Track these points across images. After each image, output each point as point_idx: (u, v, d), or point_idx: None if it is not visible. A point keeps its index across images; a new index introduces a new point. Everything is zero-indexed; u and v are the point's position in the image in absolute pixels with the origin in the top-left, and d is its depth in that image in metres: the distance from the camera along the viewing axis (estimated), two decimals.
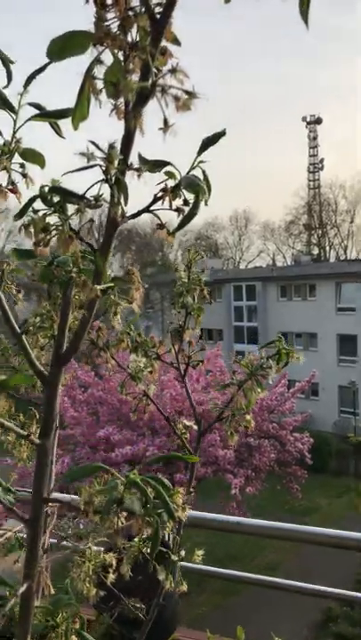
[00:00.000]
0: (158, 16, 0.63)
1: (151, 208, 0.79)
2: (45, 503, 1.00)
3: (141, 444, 9.53)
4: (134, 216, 0.77)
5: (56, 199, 0.74)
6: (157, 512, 0.90)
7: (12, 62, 1.06)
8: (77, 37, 0.79)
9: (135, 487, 0.91)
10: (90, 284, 0.75)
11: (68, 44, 0.80)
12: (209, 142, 0.75)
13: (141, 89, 0.64)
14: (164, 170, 0.80)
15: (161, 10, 0.63)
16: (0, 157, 0.95)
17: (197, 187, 0.73)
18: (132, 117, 0.63)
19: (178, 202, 0.80)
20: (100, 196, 0.69)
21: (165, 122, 0.64)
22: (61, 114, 0.94)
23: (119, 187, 0.69)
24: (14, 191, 0.96)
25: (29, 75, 1.01)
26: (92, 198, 0.69)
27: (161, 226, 0.81)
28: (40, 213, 0.75)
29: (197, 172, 0.77)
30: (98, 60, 0.73)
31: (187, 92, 0.63)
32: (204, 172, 0.78)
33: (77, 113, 0.80)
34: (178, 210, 0.79)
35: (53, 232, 0.73)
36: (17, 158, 0.98)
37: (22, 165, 0.99)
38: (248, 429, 1.25)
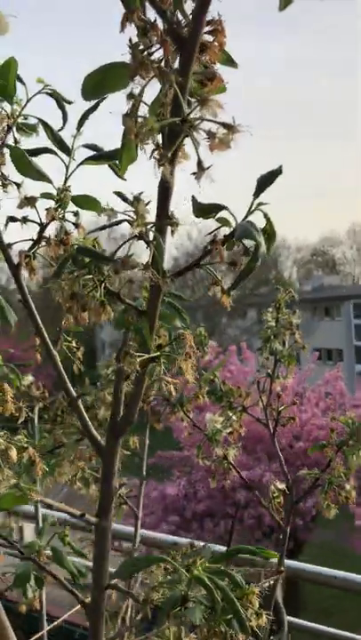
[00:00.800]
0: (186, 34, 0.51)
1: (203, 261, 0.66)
2: (106, 590, 0.89)
3: (258, 469, 9.25)
4: (179, 274, 0.65)
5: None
6: (227, 618, 0.76)
7: (68, 102, 0.99)
8: (116, 70, 0.69)
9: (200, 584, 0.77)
10: (129, 355, 0.63)
11: (108, 79, 0.70)
12: (265, 182, 0.61)
13: (170, 127, 0.52)
14: (218, 216, 0.67)
15: (190, 28, 0.50)
16: (51, 207, 0.87)
17: (254, 238, 0.59)
18: (164, 162, 0.51)
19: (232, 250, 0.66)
20: (131, 255, 0.57)
21: (199, 164, 0.51)
22: (111, 156, 0.84)
23: (156, 246, 0.56)
24: (66, 242, 0.88)
25: (83, 114, 0.92)
26: (121, 259, 0.57)
27: (216, 283, 0.67)
28: (70, 275, 0.65)
29: (258, 217, 0.63)
30: (133, 96, 0.62)
31: (224, 126, 0.50)
32: (266, 216, 0.64)
33: (125, 157, 0.70)
34: (233, 264, 0.65)
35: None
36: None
37: (76, 214, 0.91)
38: (349, 500, 1.06)
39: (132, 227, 0.54)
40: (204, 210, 0.67)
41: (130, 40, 0.63)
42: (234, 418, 1.28)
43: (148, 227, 0.59)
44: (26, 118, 1.00)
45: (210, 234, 0.64)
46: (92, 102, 0.75)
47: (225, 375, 5.74)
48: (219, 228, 0.66)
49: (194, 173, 0.51)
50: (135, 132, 0.50)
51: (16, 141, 1.00)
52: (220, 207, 0.66)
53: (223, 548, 1.95)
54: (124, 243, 0.58)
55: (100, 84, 0.69)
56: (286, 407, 1.20)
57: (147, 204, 0.56)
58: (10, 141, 0.99)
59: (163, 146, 0.56)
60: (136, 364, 0.63)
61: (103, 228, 0.58)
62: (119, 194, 0.56)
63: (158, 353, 0.67)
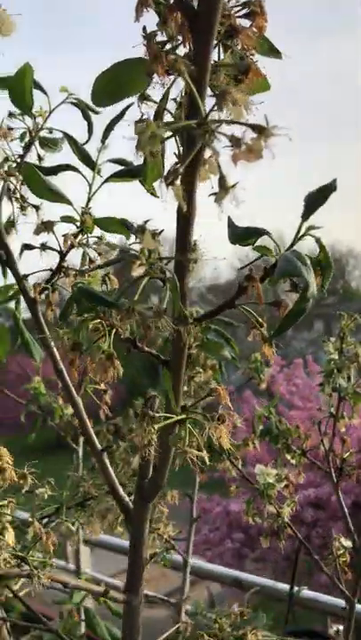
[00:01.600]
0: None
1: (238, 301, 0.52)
2: None
3: (326, 486, 8.89)
4: (206, 318, 0.51)
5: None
6: None
7: (95, 112, 0.88)
8: (133, 67, 0.56)
9: None
10: (145, 423, 0.50)
11: (123, 79, 0.58)
12: (316, 201, 0.46)
13: (188, 134, 0.39)
14: (257, 243, 0.53)
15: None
16: (69, 233, 0.76)
17: (302, 275, 0.45)
18: (171, 180, 0.38)
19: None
20: (138, 301, 0.45)
21: (221, 182, 0.37)
22: (139, 172, 0.72)
23: (171, 288, 0.43)
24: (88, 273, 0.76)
25: (108, 124, 0.81)
26: (126, 305, 0.44)
27: (257, 325, 0.53)
28: (79, 320, 0.52)
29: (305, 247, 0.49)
30: (145, 97, 0.50)
31: (253, 128, 0.36)
32: (320, 243, 0.50)
33: (148, 173, 0.57)
34: (276, 304, 0.51)
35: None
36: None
37: (100, 238, 0.79)
38: None
39: (133, 265, 0.41)
40: (241, 236, 0.54)
41: (144, 29, 0.51)
42: (292, 462, 1.13)
43: (164, 262, 0.46)
44: (51, 132, 0.89)
45: (245, 267, 0.51)
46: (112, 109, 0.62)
47: (290, 390, 5.52)
48: (257, 258, 0.52)
49: (214, 194, 0.38)
50: (138, 142, 0.37)
51: (40, 158, 0.90)
52: (260, 232, 0.52)
53: (285, 587, 1.78)
54: (134, 282, 0.45)
55: (114, 85, 0.57)
56: (352, 454, 1.03)
57: (157, 234, 0.43)
58: (33, 159, 0.89)
59: (181, 158, 0.43)
60: (150, 435, 0.50)
61: (108, 264, 0.45)
62: (124, 221, 0.44)
63: (184, 416, 0.53)
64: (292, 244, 0.49)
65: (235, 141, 0.36)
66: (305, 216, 0.48)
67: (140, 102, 0.48)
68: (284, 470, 1.00)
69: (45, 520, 0.88)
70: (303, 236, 0.49)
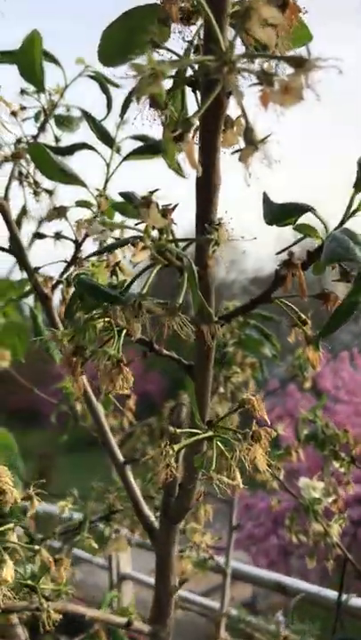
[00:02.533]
0: None
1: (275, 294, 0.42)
2: None
3: None
4: (235, 314, 0.42)
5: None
6: None
7: (116, 86, 0.79)
8: (146, 15, 0.47)
9: None
10: (163, 443, 0.42)
11: (136, 32, 0.48)
12: None
13: (206, 77, 0.30)
14: (298, 222, 0.43)
15: None
16: (82, 219, 0.67)
17: (356, 258, 0.35)
18: (182, 134, 0.29)
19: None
20: (145, 294, 0.36)
21: (247, 134, 0.28)
22: (158, 149, 0.63)
23: (189, 278, 0.34)
24: (108, 265, 0.67)
25: (127, 95, 0.72)
26: (132, 300, 0.35)
27: (299, 323, 0.44)
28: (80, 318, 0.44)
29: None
30: (156, 44, 0.40)
31: (290, 61, 0.27)
32: None
33: (169, 148, 0.48)
34: (323, 296, 0.41)
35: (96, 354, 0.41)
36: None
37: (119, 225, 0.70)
38: None
39: (135, 248, 0.32)
40: (278, 214, 0.44)
41: None
42: (341, 470, 1.02)
43: (182, 245, 0.36)
44: (68, 110, 0.81)
45: (284, 251, 0.41)
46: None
47: (336, 384, 5.35)
48: (299, 240, 0.43)
49: (237, 151, 0.28)
50: (136, 85, 0.28)
51: (57, 139, 0.82)
52: (302, 209, 0.43)
53: (332, 594, 1.67)
54: (142, 272, 0.37)
55: (125, 40, 0.48)
56: None
57: (170, 210, 0.34)
58: (49, 140, 0.81)
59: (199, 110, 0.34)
60: (171, 456, 0.41)
61: (99, 252, 0.36)
62: (125, 195, 0.35)
63: (210, 433, 0.44)
64: (343, 221, 0.39)
65: (266, 78, 0.27)
66: (359, 185, 0.38)
67: (150, 51, 0.38)
68: (332, 480, 0.90)
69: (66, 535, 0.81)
70: (357, 211, 0.39)
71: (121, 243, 0.36)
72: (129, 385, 0.41)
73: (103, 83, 0.76)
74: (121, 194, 0.39)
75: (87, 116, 0.76)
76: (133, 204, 0.34)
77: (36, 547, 0.54)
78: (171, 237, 0.35)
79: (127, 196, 0.37)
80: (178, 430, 0.45)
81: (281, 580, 1.98)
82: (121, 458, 0.69)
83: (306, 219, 0.44)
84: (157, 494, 0.82)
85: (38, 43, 0.68)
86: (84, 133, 0.81)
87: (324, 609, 1.74)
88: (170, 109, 0.32)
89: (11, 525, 0.54)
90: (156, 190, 0.32)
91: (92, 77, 0.77)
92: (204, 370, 0.46)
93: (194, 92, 0.40)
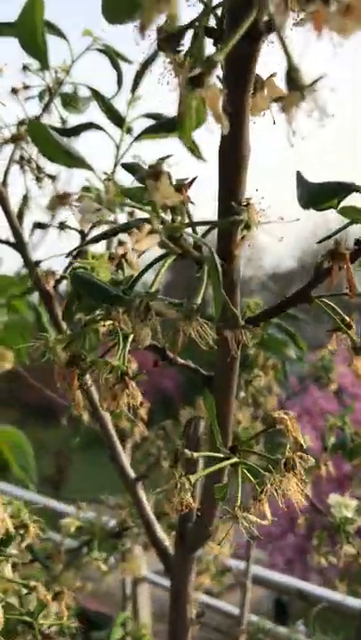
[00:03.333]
0: None
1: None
2: None
3: None
4: (267, 316, 0.34)
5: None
6: None
7: (128, 62, 0.72)
8: None
9: None
10: (177, 473, 0.34)
11: None
12: None
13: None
14: (342, 204, 0.35)
15: None
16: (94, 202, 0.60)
17: None
18: (201, 77, 0.21)
19: None
20: (156, 292, 0.28)
21: (292, 73, 0.20)
22: (172, 126, 0.55)
23: (210, 271, 0.27)
24: (114, 256, 0.60)
25: (140, 67, 0.64)
26: (137, 300, 0.28)
27: (343, 327, 0.36)
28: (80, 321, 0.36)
29: None
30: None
31: None
32: None
33: (186, 119, 0.40)
34: None
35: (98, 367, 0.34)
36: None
37: (131, 214, 0.63)
38: None
39: (140, 234, 0.25)
40: (317, 195, 0.36)
41: None
42: None
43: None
44: (76, 88, 0.74)
45: (326, 239, 0.33)
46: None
47: (354, 381, 5.22)
48: (346, 226, 0.35)
49: (278, 99, 0.21)
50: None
51: (63, 120, 0.75)
52: (348, 188, 0.35)
53: (356, 603, 1.59)
54: (151, 265, 0.29)
55: None
56: None
57: (187, 185, 0.26)
58: (54, 121, 0.73)
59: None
60: (187, 490, 0.34)
61: (105, 236, 0.29)
62: (128, 166, 0.28)
63: (235, 460, 0.36)
64: None
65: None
66: None
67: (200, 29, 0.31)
68: None
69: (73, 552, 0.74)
70: None
71: (121, 227, 0.29)
72: (136, 401, 0.34)
73: (113, 57, 0.68)
74: (124, 165, 0.32)
75: (96, 93, 0.68)
76: (136, 177, 0.26)
77: (32, 583, 0.47)
78: (187, 220, 0.27)
79: (131, 166, 0.30)
80: (195, 454, 0.38)
81: (303, 588, 1.90)
82: (132, 474, 0.62)
83: (352, 200, 0.36)
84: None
85: (40, 10, 0.61)
86: (91, 115, 0.73)
87: (348, 618, 1.65)
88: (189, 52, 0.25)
89: (3, 557, 0.47)
90: (168, 157, 0.25)
91: (101, 51, 0.70)
92: (226, 383, 0.38)
93: (215, 44, 0.33)
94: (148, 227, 0.25)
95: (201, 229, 0.29)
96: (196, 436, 0.53)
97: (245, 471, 0.37)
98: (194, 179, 0.28)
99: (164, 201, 0.25)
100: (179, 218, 0.27)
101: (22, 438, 1.03)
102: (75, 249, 0.61)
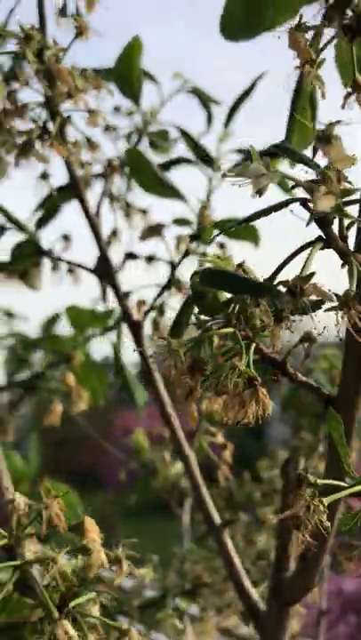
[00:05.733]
0: None
1: None
2: None
3: None
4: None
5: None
6: None
7: (215, 103, 0.73)
8: None
9: None
10: (305, 494, 0.31)
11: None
12: None
13: None
14: None
15: None
16: (185, 236, 0.59)
17: None
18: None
19: None
20: (312, 274, 0.26)
21: None
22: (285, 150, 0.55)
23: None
24: None
25: (232, 106, 0.65)
26: (297, 286, 0.26)
27: None
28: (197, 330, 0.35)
29: None
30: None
31: None
32: None
33: (296, 135, 0.40)
34: None
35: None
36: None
37: (222, 246, 0.62)
38: None
39: (316, 194, 0.23)
40: None
41: None
42: None
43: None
44: (162, 130, 0.75)
45: None
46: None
47: None
48: None
49: None
50: None
51: None
52: None
53: None
54: (296, 254, 0.27)
55: (255, 9, 0.41)
56: None
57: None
58: None
59: None
60: (323, 512, 0.30)
61: (266, 212, 0.27)
62: (280, 146, 0.26)
63: None
64: None
65: None
66: None
67: (294, 35, 0.30)
68: None
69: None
70: None
71: (278, 206, 0.27)
72: (267, 411, 0.31)
73: (203, 98, 0.70)
74: (275, 146, 0.30)
75: (183, 133, 0.69)
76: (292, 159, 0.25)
77: (124, 625, 0.42)
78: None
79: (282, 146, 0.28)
80: (318, 480, 0.34)
81: None
82: (217, 519, 0.58)
83: None
84: (254, 566, 0.69)
85: (138, 53, 0.63)
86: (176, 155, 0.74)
87: None
88: None
89: (92, 595, 0.43)
90: (339, 122, 0.23)
91: (190, 92, 0.71)
92: (351, 404, 0.35)
93: (351, 41, 0.32)
94: (324, 188, 0.23)
95: None
96: (296, 474, 0.49)
97: None
98: None
99: (338, 164, 0.23)
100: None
101: (76, 499, 1.00)
102: (168, 280, 0.60)
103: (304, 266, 0.26)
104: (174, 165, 0.65)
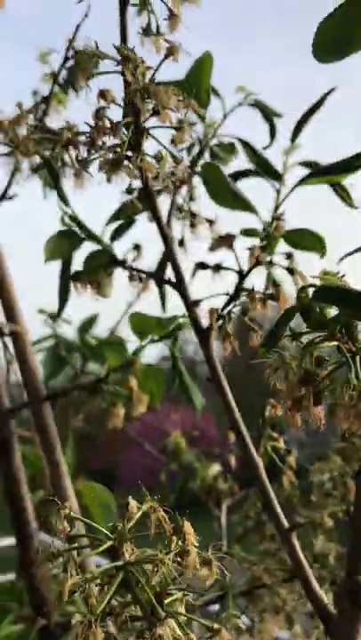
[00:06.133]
0: None
1: None
2: None
3: None
4: None
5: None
6: None
7: (277, 116, 0.75)
8: None
9: None
10: None
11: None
12: None
13: None
14: None
15: None
16: (256, 246, 0.61)
17: None
18: None
19: None
20: None
21: None
22: (346, 167, 0.56)
23: None
24: (276, 298, 0.61)
25: (299, 119, 0.66)
26: None
27: None
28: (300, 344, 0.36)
29: None
30: None
31: None
32: None
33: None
34: None
35: None
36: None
37: (289, 256, 0.64)
38: None
39: None
40: None
41: None
42: None
43: None
44: (233, 147, 0.77)
45: None
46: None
47: None
48: None
49: None
50: None
51: None
52: None
53: None
54: None
55: (347, 32, 0.42)
56: None
57: None
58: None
59: None
60: None
61: None
62: None
63: None
64: None
65: None
66: None
67: None
68: None
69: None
70: None
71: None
72: None
73: (267, 110, 0.71)
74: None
75: (246, 145, 0.71)
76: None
77: (215, 625, 0.44)
78: None
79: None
80: None
81: None
82: (285, 522, 0.59)
83: None
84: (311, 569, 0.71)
85: (209, 65, 0.65)
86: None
87: None
88: None
89: (180, 595, 0.45)
90: None
91: (252, 105, 0.73)
92: None
93: None
94: None
95: None
96: None
97: None
98: None
99: None
100: None
101: (110, 498, 1.01)
102: (236, 289, 0.61)
103: None
104: (242, 177, 0.67)
